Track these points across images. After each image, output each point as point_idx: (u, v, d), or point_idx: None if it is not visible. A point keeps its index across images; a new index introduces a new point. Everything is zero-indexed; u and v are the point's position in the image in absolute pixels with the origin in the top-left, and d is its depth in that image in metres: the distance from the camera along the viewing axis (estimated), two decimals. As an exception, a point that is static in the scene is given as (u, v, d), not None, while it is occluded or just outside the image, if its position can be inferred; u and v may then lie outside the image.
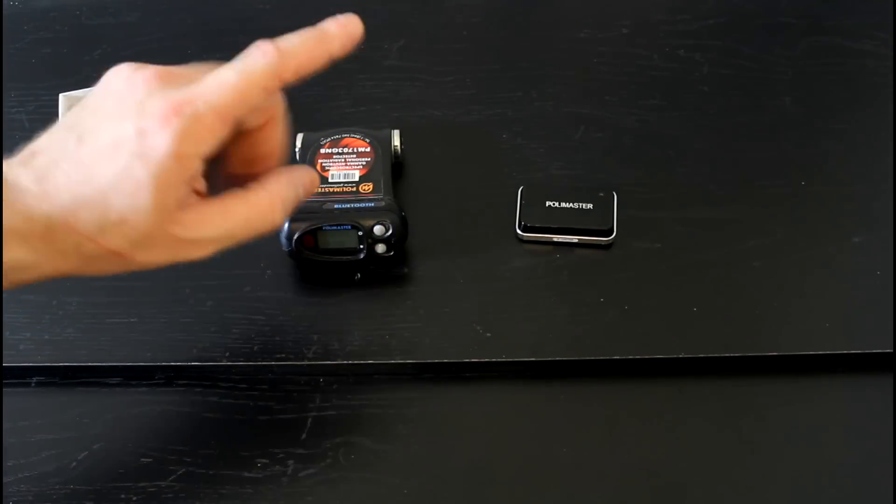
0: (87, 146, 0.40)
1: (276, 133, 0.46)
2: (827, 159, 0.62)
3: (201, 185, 0.44)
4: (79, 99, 0.62)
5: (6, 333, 0.54)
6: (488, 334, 0.53)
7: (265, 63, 0.42)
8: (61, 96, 0.61)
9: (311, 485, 0.49)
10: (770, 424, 0.51)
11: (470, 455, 0.50)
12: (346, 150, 0.58)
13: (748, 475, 0.49)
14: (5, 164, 0.41)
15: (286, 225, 0.54)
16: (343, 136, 0.59)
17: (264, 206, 0.45)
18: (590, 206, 0.58)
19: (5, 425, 0.51)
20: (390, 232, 0.54)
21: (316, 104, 0.65)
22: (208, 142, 0.41)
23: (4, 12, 0.72)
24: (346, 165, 0.57)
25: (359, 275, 0.56)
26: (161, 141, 0.40)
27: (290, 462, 0.50)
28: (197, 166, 0.41)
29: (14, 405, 0.52)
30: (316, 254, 0.55)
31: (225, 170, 0.46)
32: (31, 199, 0.40)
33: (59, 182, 0.40)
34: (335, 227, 0.54)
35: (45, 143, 0.42)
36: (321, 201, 0.55)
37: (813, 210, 0.59)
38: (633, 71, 0.67)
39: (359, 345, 0.53)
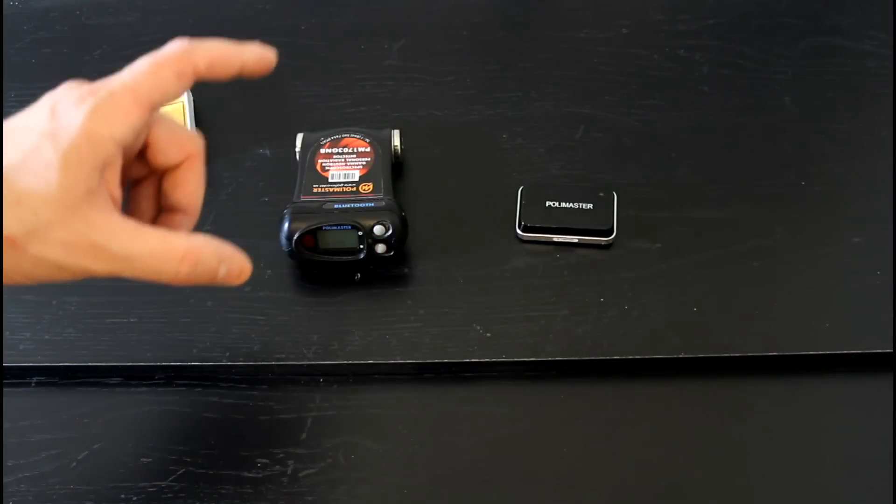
0: (4, 127, 0.39)
1: (192, 179, 0.45)
2: (827, 159, 0.62)
3: (117, 192, 0.41)
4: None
5: (6, 333, 0.54)
6: (488, 334, 0.53)
7: (178, 48, 0.41)
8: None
9: (311, 485, 0.49)
10: (770, 424, 0.51)
11: (470, 455, 0.50)
12: (346, 150, 0.58)
13: (748, 475, 0.49)
14: None
15: (286, 225, 0.54)
16: (343, 136, 0.59)
17: (176, 253, 0.41)
18: (590, 206, 0.58)
19: (5, 425, 0.51)
20: (390, 232, 0.54)
21: (316, 104, 0.65)
22: (122, 123, 0.39)
23: (4, 12, 0.72)
24: (346, 165, 0.57)
25: (359, 275, 0.56)
26: (73, 119, 0.38)
27: (290, 462, 0.50)
28: (110, 150, 0.39)
29: (14, 405, 0.52)
30: (316, 254, 0.55)
31: (142, 209, 0.45)
32: None
33: None
34: (335, 227, 0.54)
35: None
36: (321, 201, 0.55)
37: (813, 210, 0.59)
38: (633, 71, 0.67)
39: (359, 345, 0.53)
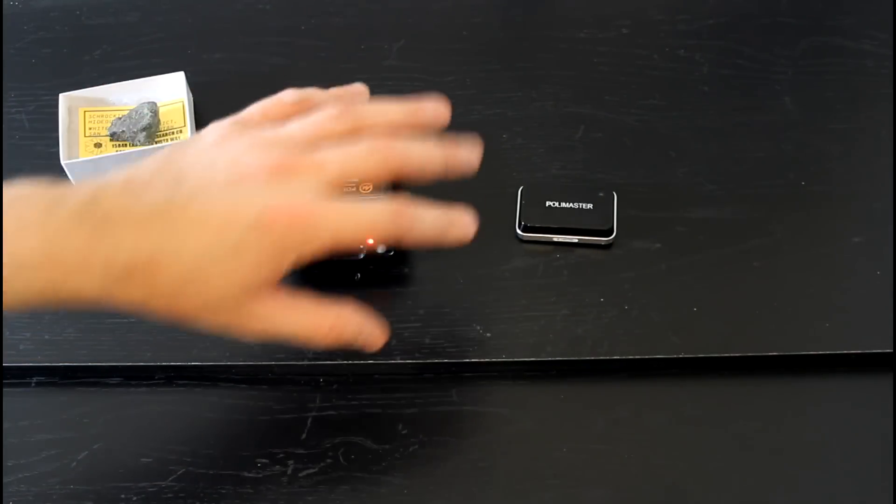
0: (196, 207, 0.41)
1: None
2: (827, 159, 0.62)
3: None
4: (79, 99, 0.62)
5: (6, 333, 0.54)
6: (488, 334, 0.53)
7: (395, 220, 0.44)
8: (61, 96, 0.61)
9: (311, 485, 0.49)
10: (770, 424, 0.51)
11: (470, 455, 0.50)
12: (346, 150, 0.58)
13: (748, 475, 0.49)
14: (101, 182, 0.41)
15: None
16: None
17: (323, 328, 0.45)
18: (590, 206, 0.58)
19: (5, 425, 0.51)
20: (390, 232, 0.54)
21: (316, 104, 0.65)
22: (311, 255, 0.43)
23: (4, 12, 0.72)
24: (346, 165, 0.57)
25: (359, 275, 0.56)
26: (280, 237, 0.41)
27: (290, 462, 0.50)
28: (289, 266, 0.43)
29: (14, 405, 0.52)
30: (316, 254, 0.55)
31: None
32: (119, 230, 0.39)
33: (155, 225, 0.40)
34: (335, 227, 0.54)
35: (147, 178, 0.42)
36: (321, 201, 0.55)
37: (813, 210, 0.59)
38: (633, 71, 0.67)
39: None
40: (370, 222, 0.43)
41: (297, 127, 0.45)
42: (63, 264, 0.38)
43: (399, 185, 0.55)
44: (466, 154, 0.47)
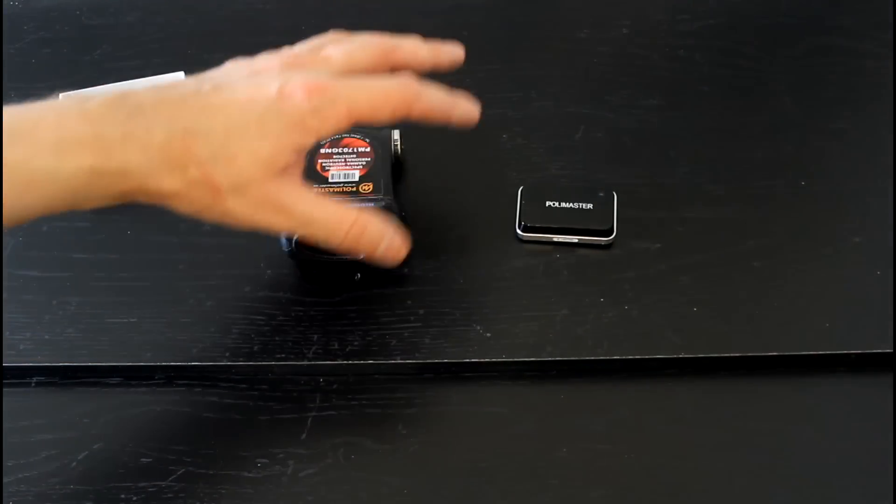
0: (223, 93, 0.44)
1: None
2: (827, 159, 0.62)
3: (302, 166, 0.48)
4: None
5: (6, 333, 0.54)
6: (488, 334, 0.53)
7: (407, 91, 0.47)
8: (61, 96, 0.61)
9: (311, 485, 0.49)
10: (770, 424, 0.51)
11: (470, 455, 0.50)
12: (346, 150, 0.58)
13: (748, 475, 0.49)
14: (124, 87, 0.45)
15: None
16: (343, 136, 0.59)
17: (348, 219, 0.48)
18: (590, 206, 0.58)
19: (5, 425, 0.51)
20: (390, 232, 0.54)
21: (316, 104, 0.65)
22: (331, 128, 0.46)
23: (4, 12, 0.72)
24: (346, 165, 0.57)
25: (359, 275, 0.56)
26: (300, 106, 0.44)
27: (290, 462, 0.50)
28: (312, 142, 0.46)
29: (14, 405, 0.52)
30: (316, 254, 0.55)
31: None
32: (152, 114, 0.43)
33: (185, 110, 0.43)
34: (335, 227, 0.54)
35: (176, 82, 0.47)
36: (321, 201, 0.55)
37: (813, 210, 0.59)
38: (633, 71, 0.67)
39: (359, 345, 0.53)
40: (382, 93, 0.47)
41: (336, 51, 0.49)
42: (106, 140, 0.42)
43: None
44: (468, 105, 0.50)
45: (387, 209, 0.54)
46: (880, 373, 0.52)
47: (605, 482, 0.49)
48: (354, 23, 0.70)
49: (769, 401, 0.52)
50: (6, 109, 0.41)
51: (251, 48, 0.68)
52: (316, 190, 0.50)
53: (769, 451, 0.50)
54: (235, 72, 0.48)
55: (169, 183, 0.43)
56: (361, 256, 0.55)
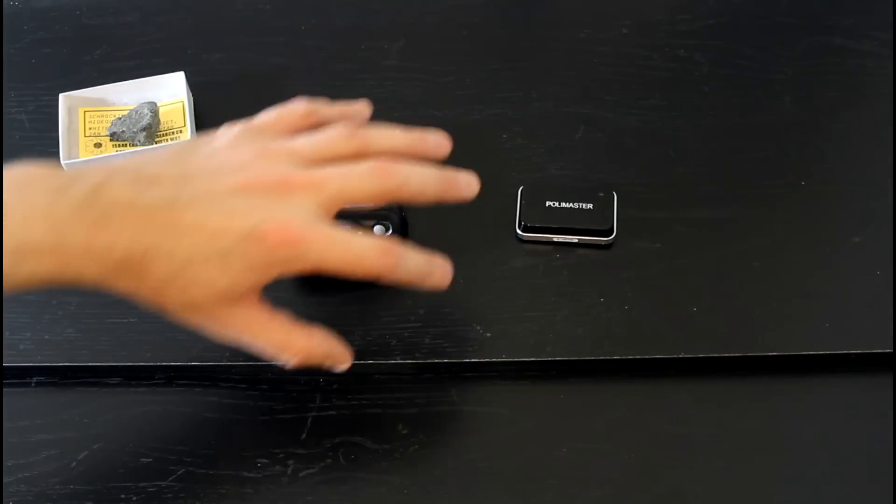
0: (196, 212, 0.42)
1: None
2: (827, 159, 0.62)
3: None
4: (78, 99, 0.62)
5: (6, 333, 0.54)
6: (488, 334, 0.53)
7: (381, 257, 0.45)
8: (61, 96, 0.61)
9: (311, 485, 0.49)
10: (770, 424, 0.51)
11: (470, 455, 0.50)
12: (346, 150, 0.58)
13: (748, 475, 0.49)
14: (110, 169, 0.43)
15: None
16: (343, 136, 0.58)
17: (293, 349, 0.47)
18: (590, 206, 0.58)
19: (5, 425, 0.51)
20: (390, 232, 0.54)
21: (316, 104, 0.65)
22: (292, 275, 0.44)
23: (4, 12, 0.72)
24: (346, 165, 0.57)
25: (359, 275, 0.56)
26: (267, 253, 0.43)
27: (290, 462, 0.50)
28: (269, 281, 0.44)
29: (14, 405, 0.52)
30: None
31: None
32: (118, 225, 0.41)
33: (153, 226, 0.42)
34: (335, 227, 0.54)
35: (155, 173, 0.43)
36: (321, 201, 0.55)
37: (813, 210, 0.59)
38: (633, 71, 0.67)
39: (359, 345, 0.53)
40: (356, 255, 0.44)
41: (306, 143, 0.47)
42: (66, 253, 0.40)
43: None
44: (465, 181, 0.49)
45: (387, 209, 0.54)
46: (880, 373, 0.52)
47: (605, 482, 0.49)
48: (354, 23, 0.71)
49: (769, 401, 0.52)
50: None
51: (251, 48, 0.68)
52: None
53: (769, 451, 0.50)
54: (221, 175, 0.44)
55: (119, 288, 0.43)
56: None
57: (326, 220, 0.44)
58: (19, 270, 0.40)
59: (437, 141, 0.50)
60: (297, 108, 0.50)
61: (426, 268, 0.47)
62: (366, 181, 0.45)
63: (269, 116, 0.49)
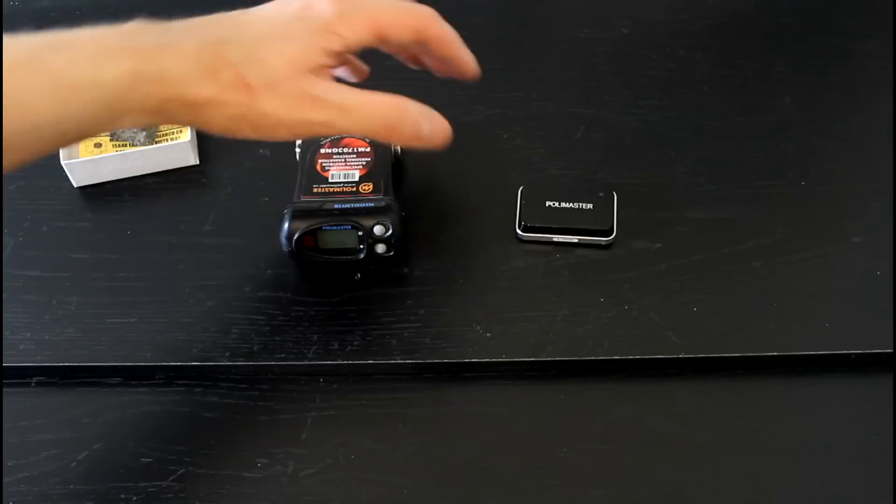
0: (250, 12, 0.47)
1: (438, 52, 0.52)
2: (827, 159, 0.62)
3: (333, 73, 0.49)
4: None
5: (6, 333, 0.54)
6: (488, 334, 0.53)
7: (422, 10, 0.49)
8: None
9: (311, 485, 0.49)
10: (770, 424, 0.51)
11: (470, 455, 0.50)
12: (346, 150, 0.58)
13: (748, 475, 0.49)
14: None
15: (286, 225, 0.54)
16: (343, 136, 0.59)
17: (385, 101, 0.48)
18: (590, 206, 0.58)
19: (5, 425, 0.51)
20: (390, 232, 0.54)
21: (316, 104, 0.65)
22: (353, 35, 0.47)
23: (4, 12, 0.72)
24: (346, 165, 0.57)
25: (359, 275, 0.56)
26: (324, 12, 0.47)
27: (290, 462, 0.50)
28: (336, 48, 0.47)
29: (14, 405, 0.52)
30: (316, 254, 0.55)
31: None
32: (184, 30, 0.45)
33: (215, 25, 0.46)
34: (335, 227, 0.54)
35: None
36: (321, 201, 0.55)
37: (813, 210, 0.59)
38: (633, 71, 0.67)
39: (359, 345, 0.53)
40: (402, 7, 0.48)
41: None
42: (143, 49, 0.44)
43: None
44: (472, 62, 0.53)
45: (387, 209, 0.54)
46: (880, 373, 0.52)
47: (605, 482, 0.49)
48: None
49: (769, 401, 0.52)
50: (43, 33, 0.44)
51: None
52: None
53: (769, 451, 0.50)
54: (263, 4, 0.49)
55: (205, 88, 0.44)
56: (361, 256, 0.55)
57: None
58: (106, 70, 0.43)
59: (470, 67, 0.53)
60: None
61: (459, 40, 0.51)
62: (408, 7, 0.49)
63: None
